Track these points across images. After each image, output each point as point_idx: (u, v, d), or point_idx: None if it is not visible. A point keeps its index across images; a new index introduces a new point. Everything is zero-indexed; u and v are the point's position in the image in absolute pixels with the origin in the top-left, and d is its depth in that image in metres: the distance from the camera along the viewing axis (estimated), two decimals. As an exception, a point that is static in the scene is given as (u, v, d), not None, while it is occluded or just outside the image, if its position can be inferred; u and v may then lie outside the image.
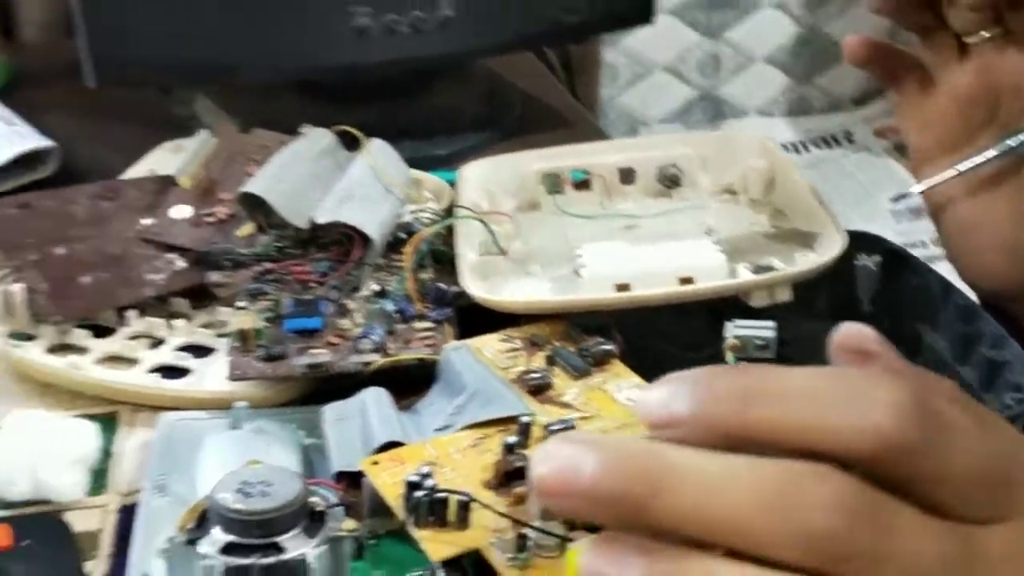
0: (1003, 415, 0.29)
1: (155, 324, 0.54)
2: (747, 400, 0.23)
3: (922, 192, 0.50)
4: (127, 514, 0.43)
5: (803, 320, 0.54)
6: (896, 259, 0.53)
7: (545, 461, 0.23)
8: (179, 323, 0.54)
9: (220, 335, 0.53)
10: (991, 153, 0.47)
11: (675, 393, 0.24)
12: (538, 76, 0.94)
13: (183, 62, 0.66)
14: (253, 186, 0.56)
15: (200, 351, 0.52)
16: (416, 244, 0.52)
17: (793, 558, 0.22)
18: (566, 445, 0.23)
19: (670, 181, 0.64)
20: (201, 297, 0.56)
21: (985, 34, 0.48)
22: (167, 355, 0.52)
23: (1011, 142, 0.47)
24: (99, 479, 0.45)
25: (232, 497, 0.36)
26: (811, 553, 0.22)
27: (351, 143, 0.60)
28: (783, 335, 0.52)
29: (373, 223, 0.53)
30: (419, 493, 0.35)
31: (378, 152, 0.57)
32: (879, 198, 1.22)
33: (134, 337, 0.53)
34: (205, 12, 0.66)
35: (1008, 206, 0.49)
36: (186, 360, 0.52)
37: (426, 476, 0.36)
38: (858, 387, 0.24)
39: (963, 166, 0.48)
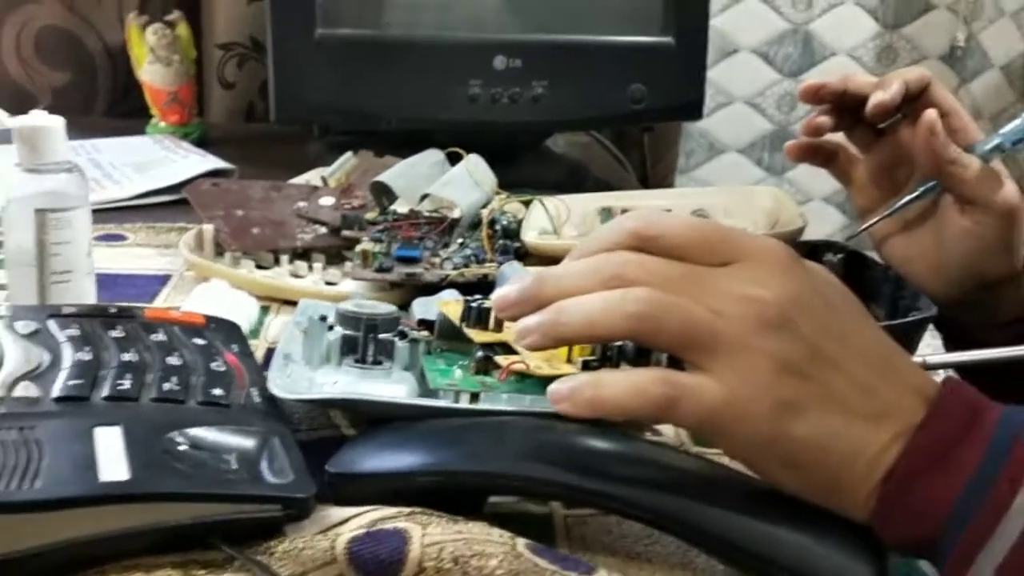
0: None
1: (300, 266, 0.74)
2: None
3: (865, 233, 0.68)
4: (270, 351, 0.62)
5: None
6: (855, 257, 0.70)
7: (497, 297, 0.44)
8: (316, 266, 0.74)
9: (344, 276, 0.73)
10: (902, 200, 0.66)
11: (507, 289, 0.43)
12: (613, 169, 1.15)
13: (341, 110, 0.89)
14: (382, 176, 0.77)
15: (329, 284, 0.72)
16: (492, 211, 0.71)
17: (610, 285, 0.40)
18: (504, 288, 0.44)
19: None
20: (335, 259, 0.76)
21: (892, 119, 0.68)
22: (306, 283, 0.72)
23: (908, 195, 0.66)
24: (254, 333, 0.64)
25: (351, 306, 0.55)
26: (611, 282, 0.40)
27: (455, 162, 0.81)
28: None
29: (464, 201, 0.73)
30: (472, 305, 0.53)
31: (474, 160, 0.78)
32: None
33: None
34: (360, 78, 0.89)
35: (931, 239, 0.66)
36: (319, 286, 0.71)
37: (478, 298, 0.54)
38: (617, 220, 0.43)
39: (885, 212, 0.67)
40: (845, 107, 0.71)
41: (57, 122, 0.55)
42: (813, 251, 0.71)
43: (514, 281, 0.43)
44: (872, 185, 0.71)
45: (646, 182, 1.30)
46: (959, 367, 0.60)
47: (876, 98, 0.67)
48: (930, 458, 0.39)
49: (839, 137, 0.73)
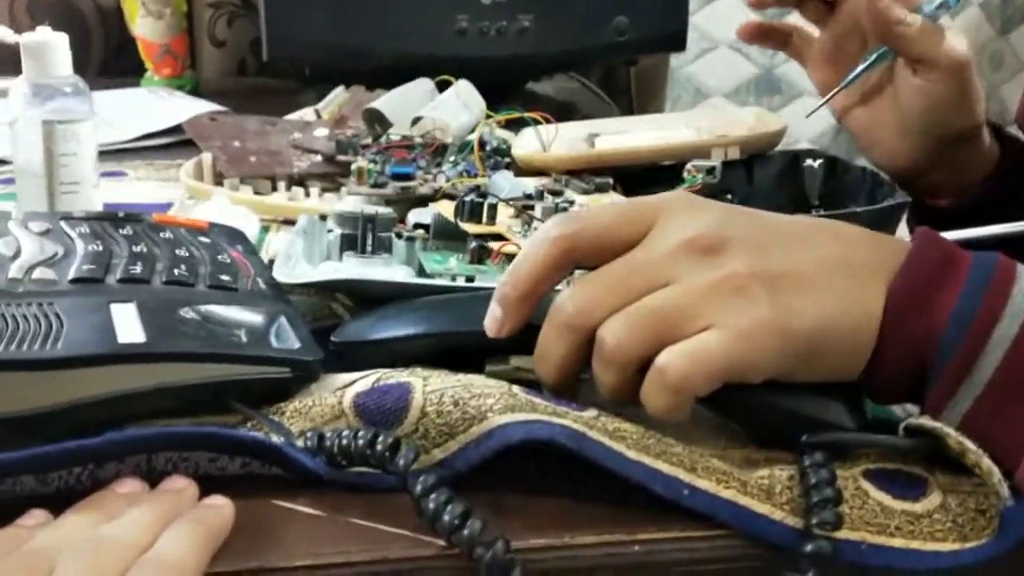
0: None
1: (297, 193, 0.76)
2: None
3: (826, 106, 0.70)
4: (271, 264, 0.64)
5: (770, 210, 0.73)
6: (834, 162, 0.72)
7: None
8: (313, 191, 0.76)
9: (340, 200, 0.75)
10: (858, 69, 0.68)
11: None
12: (601, 112, 1.17)
13: (331, 47, 0.91)
14: (375, 103, 0.79)
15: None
16: (482, 132, 0.74)
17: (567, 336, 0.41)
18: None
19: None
20: (331, 186, 0.78)
21: None
22: (304, 204, 0.74)
23: (863, 64, 0.68)
24: (257, 247, 0.66)
25: (349, 207, 0.57)
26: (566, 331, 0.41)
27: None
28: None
29: (454, 123, 0.75)
30: (466, 200, 0.56)
31: (463, 85, 0.80)
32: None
33: (283, 198, 0.75)
34: (350, 15, 0.91)
35: (889, 105, 0.69)
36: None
37: (471, 194, 0.56)
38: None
39: (843, 83, 0.69)
40: None
41: (62, 38, 0.57)
42: (795, 159, 0.74)
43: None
44: (828, 61, 0.72)
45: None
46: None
47: None
48: (911, 302, 0.40)
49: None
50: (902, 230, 0.66)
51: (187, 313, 0.45)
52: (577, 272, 0.43)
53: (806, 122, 1.47)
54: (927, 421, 0.40)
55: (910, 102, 0.67)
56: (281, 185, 0.76)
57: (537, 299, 0.42)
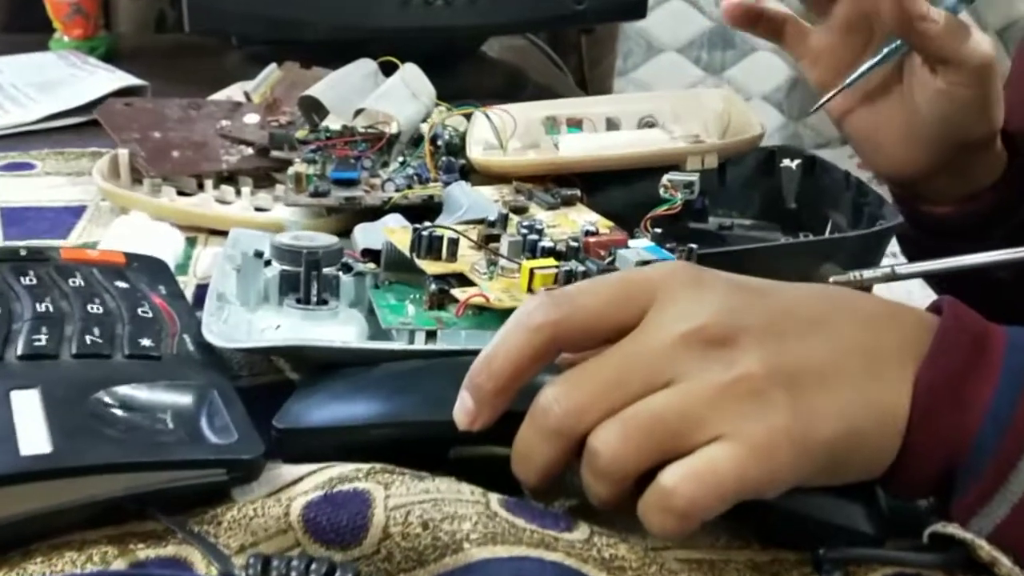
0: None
1: (226, 191, 0.68)
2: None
3: (824, 108, 0.64)
4: (200, 288, 0.57)
5: (743, 214, 0.68)
6: (812, 162, 0.67)
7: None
8: (245, 191, 0.69)
9: (276, 200, 0.68)
10: (865, 66, 0.61)
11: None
12: (551, 73, 1.10)
13: (260, 16, 0.83)
14: (312, 91, 0.71)
15: (259, 210, 0.67)
16: (433, 125, 0.67)
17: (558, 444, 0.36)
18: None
19: (647, 128, 0.78)
20: (263, 181, 0.71)
21: None
22: (235, 210, 0.66)
23: (872, 60, 0.61)
24: (182, 268, 0.59)
25: (288, 239, 0.50)
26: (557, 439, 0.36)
27: (390, 73, 0.75)
28: (726, 229, 0.67)
29: (402, 114, 0.68)
30: (423, 233, 0.49)
31: (410, 70, 0.72)
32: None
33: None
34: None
35: (898, 107, 0.62)
36: (249, 212, 0.66)
37: (428, 226, 0.50)
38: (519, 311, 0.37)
39: (847, 81, 0.62)
40: None
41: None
42: (770, 157, 0.68)
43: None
44: (827, 56, 0.64)
45: (585, 85, 1.25)
46: (928, 276, 0.57)
47: None
48: (941, 396, 0.36)
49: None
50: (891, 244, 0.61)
51: (102, 400, 0.38)
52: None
53: (759, 77, 1.41)
54: (956, 530, 0.35)
55: (927, 107, 0.60)
56: (208, 183, 0.68)
57: (515, 391, 0.36)
